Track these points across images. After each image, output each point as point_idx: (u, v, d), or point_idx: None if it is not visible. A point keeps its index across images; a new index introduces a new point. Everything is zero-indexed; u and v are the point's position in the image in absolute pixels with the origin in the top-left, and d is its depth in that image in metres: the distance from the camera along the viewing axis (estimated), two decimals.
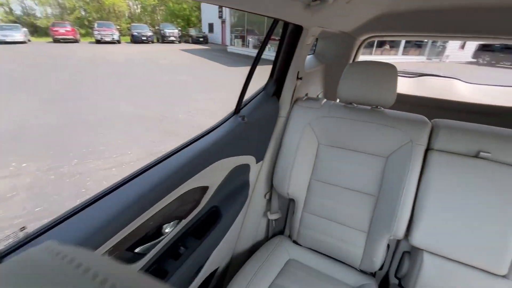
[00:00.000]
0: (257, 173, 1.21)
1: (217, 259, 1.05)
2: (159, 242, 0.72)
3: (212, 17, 22.01)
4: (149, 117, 4.88)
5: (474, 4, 1.09)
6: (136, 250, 0.65)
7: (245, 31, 16.36)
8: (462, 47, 15.73)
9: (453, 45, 15.68)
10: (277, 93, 1.19)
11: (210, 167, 0.85)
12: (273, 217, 1.28)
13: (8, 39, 15.46)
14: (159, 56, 13.12)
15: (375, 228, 1.06)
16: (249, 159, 1.09)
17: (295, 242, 1.26)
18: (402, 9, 1.27)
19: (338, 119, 1.13)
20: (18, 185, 2.75)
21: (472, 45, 14.83)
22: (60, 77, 7.79)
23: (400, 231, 0.99)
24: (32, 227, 0.52)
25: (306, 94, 1.48)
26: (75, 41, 18.12)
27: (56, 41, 17.34)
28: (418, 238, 0.97)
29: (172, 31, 20.45)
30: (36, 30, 23.63)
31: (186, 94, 6.65)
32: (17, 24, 17.68)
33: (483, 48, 13.67)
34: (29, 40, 17.99)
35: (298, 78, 1.22)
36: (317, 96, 1.76)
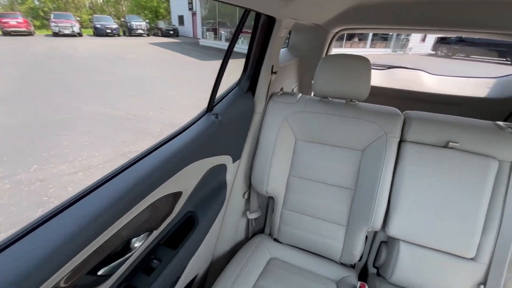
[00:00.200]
0: (235, 172, 1.17)
1: (195, 267, 1.00)
2: (127, 259, 0.65)
3: (182, 9, 21.18)
4: (117, 116, 4.59)
5: None
6: (100, 273, 0.58)
7: (217, 24, 15.97)
8: (423, 40, 16.75)
9: (415, 38, 16.63)
10: (252, 88, 1.15)
11: (182, 171, 0.78)
12: (252, 216, 1.25)
13: None
14: (126, 50, 12.38)
15: (353, 221, 1.07)
16: (225, 159, 1.04)
17: (276, 240, 1.24)
18: (372, 2, 1.27)
19: (314, 114, 1.11)
20: None
21: (431, 38, 15.82)
22: (13, 75, 7.06)
23: (378, 223, 1.01)
24: None
25: (281, 89, 1.45)
26: (29, 33, 16.46)
27: (6, 34, 15.62)
28: (394, 229, 1.00)
29: (139, 23, 19.35)
30: None
31: (157, 90, 6.36)
32: None
33: (440, 41, 14.64)
34: None
35: (272, 72, 1.18)
36: (292, 90, 1.74)
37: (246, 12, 0.86)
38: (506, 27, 1.23)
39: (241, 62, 1.11)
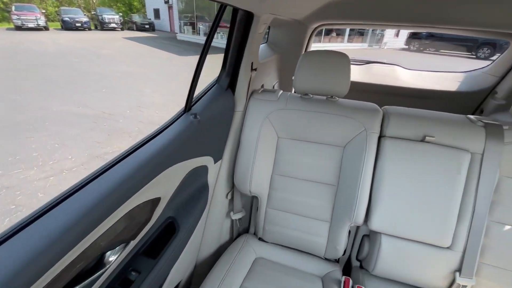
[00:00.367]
0: (217, 173, 1.13)
1: (178, 273, 0.97)
2: (101, 274, 0.61)
3: (157, 2, 20.35)
4: (91, 115, 4.36)
5: None
6: None
7: (195, 18, 15.55)
8: (397, 35, 17.36)
9: (389, 34, 17.19)
10: (232, 86, 1.11)
11: (160, 176, 0.74)
12: (236, 216, 1.22)
13: None
14: (99, 45, 11.74)
15: (336, 217, 1.08)
16: (206, 160, 1.00)
17: (261, 239, 1.23)
18: None
19: (295, 111, 1.10)
20: None
21: (404, 33, 16.44)
22: None
23: (360, 218, 1.02)
24: None
25: (262, 86, 1.43)
26: None
27: None
28: (376, 223, 1.02)
29: (112, 17, 18.37)
30: None
31: (134, 87, 6.09)
32: None
33: (412, 36, 15.26)
34: None
35: (252, 69, 1.15)
36: (273, 86, 1.72)
37: (222, 7, 0.82)
38: (473, 24, 1.29)
39: (221, 57, 1.08)
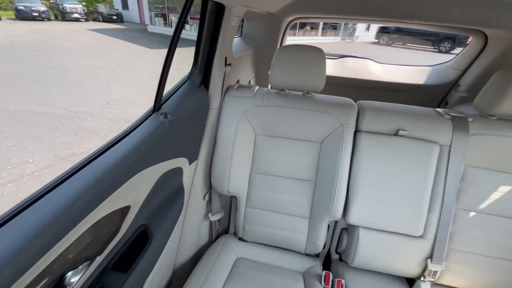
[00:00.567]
0: (192, 175, 1.08)
1: (154, 283, 0.91)
2: None
3: None
4: (54, 114, 4.03)
5: None
6: None
7: (166, 9, 14.88)
8: (367, 29, 17.94)
9: (361, 27, 17.72)
10: (205, 82, 1.06)
11: (129, 182, 0.68)
12: (215, 218, 1.19)
13: None
14: (61, 37, 10.85)
15: (315, 213, 1.08)
16: (180, 162, 0.95)
17: (241, 239, 1.21)
18: None
19: (272, 108, 1.08)
20: None
21: (375, 28, 17.04)
22: None
23: (338, 213, 1.04)
24: None
25: (238, 81, 1.39)
26: None
27: None
28: (353, 217, 1.03)
29: (74, 6, 16.96)
30: None
31: (102, 83, 5.73)
32: None
33: (382, 30, 15.88)
34: None
35: (226, 64, 1.11)
36: (249, 81, 1.68)
37: None
38: (440, 19, 1.34)
39: (193, 51, 1.02)
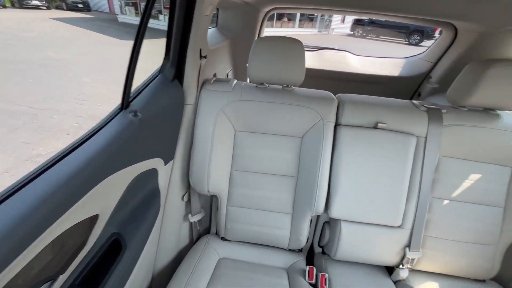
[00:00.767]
0: (169, 175, 1.02)
1: None
2: None
3: None
4: (15, 112, 3.69)
5: None
6: None
7: None
8: (343, 21, 18.25)
9: (336, 20, 17.98)
10: (179, 76, 0.99)
11: (96, 189, 0.62)
12: (195, 218, 1.14)
13: None
14: (20, 27, 9.92)
15: (298, 208, 1.07)
16: (154, 163, 0.89)
17: (223, 238, 1.17)
18: None
19: (251, 102, 1.04)
20: None
21: (350, 20, 17.36)
22: None
23: (320, 208, 1.03)
24: None
25: (215, 75, 1.32)
26: None
27: None
28: (335, 211, 1.04)
29: None
30: None
31: (69, 77, 5.33)
32: None
33: (357, 23, 16.23)
34: None
35: (201, 56, 1.04)
36: (227, 75, 1.62)
37: None
38: (412, 11, 1.36)
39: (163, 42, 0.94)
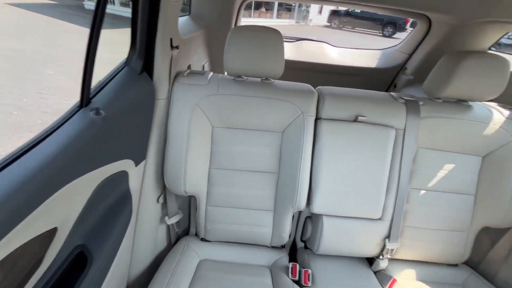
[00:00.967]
0: (141, 177, 0.95)
1: None
2: None
3: None
4: None
5: None
6: None
7: None
8: (320, 12, 18.34)
9: (314, 11, 18.03)
10: (148, 68, 0.91)
11: (53, 198, 0.54)
12: (172, 221, 1.08)
13: None
14: None
15: (280, 205, 1.05)
16: (123, 164, 0.81)
17: (203, 239, 1.13)
18: None
19: (229, 96, 0.98)
20: None
21: (326, 11, 17.47)
22: None
23: (302, 203, 1.02)
24: None
25: (189, 67, 1.24)
26: None
27: None
28: (317, 207, 1.03)
29: None
30: None
31: (31, 69, 4.89)
32: None
33: (333, 14, 16.39)
34: None
35: (173, 47, 0.96)
36: (203, 66, 1.54)
37: None
38: (384, 1, 1.35)
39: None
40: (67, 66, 5.27)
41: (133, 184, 0.88)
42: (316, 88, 1.08)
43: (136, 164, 0.88)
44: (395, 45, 2.06)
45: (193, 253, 1.07)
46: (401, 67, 1.93)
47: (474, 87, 0.95)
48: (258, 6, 15.09)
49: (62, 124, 0.63)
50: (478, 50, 1.49)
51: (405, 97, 1.05)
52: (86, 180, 0.65)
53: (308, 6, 17.24)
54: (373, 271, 1.10)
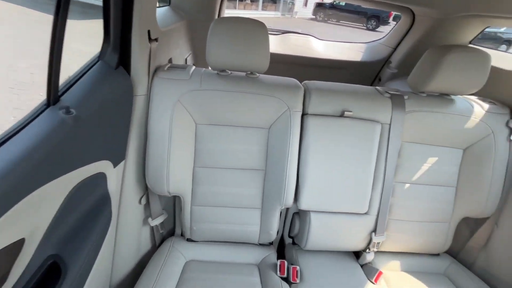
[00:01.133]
0: (120, 178, 0.90)
1: None
2: None
3: None
4: None
5: None
6: None
7: None
8: (305, 4, 18.27)
9: (299, 3, 17.93)
10: (124, 63, 0.85)
11: (17, 207, 0.49)
12: (156, 222, 1.04)
13: None
14: None
15: (267, 202, 1.03)
16: (101, 166, 0.76)
17: (189, 239, 1.10)
18: None
19: (212, 92, 0.94)
20: None
21: (312, 4, 17.43)
22: None
23: (290, 200, 1.00)
24: None
25: (170, 60, 1.18)
26: None
27: None
28: (304, 203, 1.02)
29: None
30: None
31: (0, 63, 4.56)
32: None
33: (318, 6, 16.38)
34: None
35: (151, 39, 0.90)
36: (185, 60, 1.47)
37: None
38: None
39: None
40: (39, 58, 4.95)
41: (112, 186, 0.83)
42: (302, 83, 1.05)
43: (115, 165, 0.83)
44: (380, 39, 2.07)
45: (179, 254, 1.04)
46: (386, 61, 1.94)
47: (458, 81, 0.96)
48: None
49: (26, 125, 0.57)
50: (459, 44, 1.51)
51: (391, 91, 1.05)
52: (57, 185, 0.60)
53: None
54: (360, 265, 1.12)
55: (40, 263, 0.59)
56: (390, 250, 1.15)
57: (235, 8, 14.31)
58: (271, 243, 1.17)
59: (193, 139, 0.99)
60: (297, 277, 0.99)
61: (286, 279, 0.99)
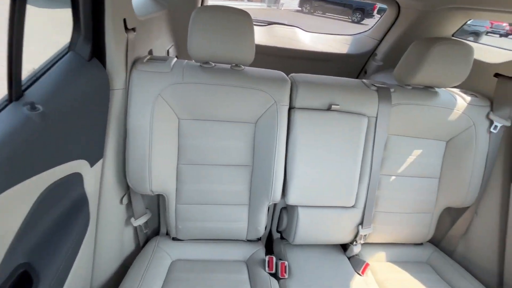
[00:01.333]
0: (99, 178, 0.85)
1: None
2: None
3: None
4: None
5: None
6: None
7: None
8: None
9: None
10: (98, 54, 0.79)
11: None
12: (139, 222, 0.99)
13: None
14: None
15: (255, 198, 1.01)
16: (75, 166, 0.71)
17: (175, 238, 1.06)
18: None
19: (195, 85, 0.90)
20: None
21: None
22: None
23: (277, 196, 0.99)
24: None
25: (150, 52, 1.12)
26: None
27: None
28: (292, 198, 1.01)
29: None
30: None
31: None
32: None
33: None
34: None
35: (128, 29, 0.84)
36: (167, 52, 1.41)
37: None
38: None
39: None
40: None
41: (90, 186, 0.78)
42: (289, 76, 1.03)
43: (92, 165, 0.78)
44: (366, 31, 2.07)
45: (164, 254, 1.01)
46: (371, 53, 1.94)
47: (443, 73, 0.97)
48: None
49: None
50: (443, 36, 1.53)
51: (377, 84, 1.05)
52: (25, 188, 0.55)
53: None
54: (347, 257, 1.13)
55: (9, 274, 0.54)
56: (376, 241, 1.17)
57: None
58: (259, 239, 1.16)
59: (176, 135, 0.95)
60: (285, 272, 0.98)
61: (274, 275, 0.98)
